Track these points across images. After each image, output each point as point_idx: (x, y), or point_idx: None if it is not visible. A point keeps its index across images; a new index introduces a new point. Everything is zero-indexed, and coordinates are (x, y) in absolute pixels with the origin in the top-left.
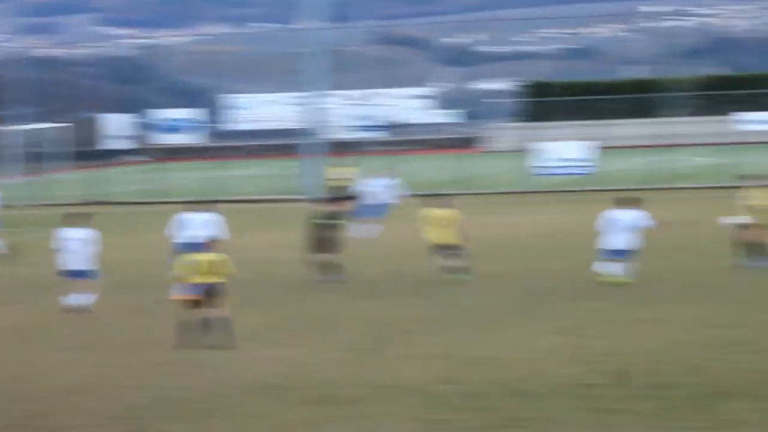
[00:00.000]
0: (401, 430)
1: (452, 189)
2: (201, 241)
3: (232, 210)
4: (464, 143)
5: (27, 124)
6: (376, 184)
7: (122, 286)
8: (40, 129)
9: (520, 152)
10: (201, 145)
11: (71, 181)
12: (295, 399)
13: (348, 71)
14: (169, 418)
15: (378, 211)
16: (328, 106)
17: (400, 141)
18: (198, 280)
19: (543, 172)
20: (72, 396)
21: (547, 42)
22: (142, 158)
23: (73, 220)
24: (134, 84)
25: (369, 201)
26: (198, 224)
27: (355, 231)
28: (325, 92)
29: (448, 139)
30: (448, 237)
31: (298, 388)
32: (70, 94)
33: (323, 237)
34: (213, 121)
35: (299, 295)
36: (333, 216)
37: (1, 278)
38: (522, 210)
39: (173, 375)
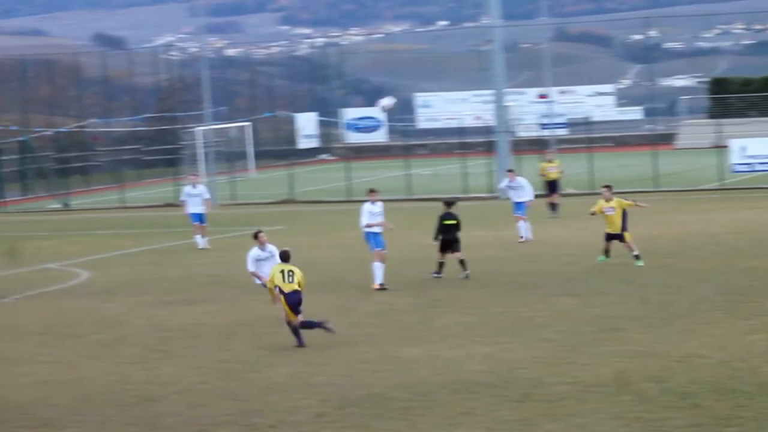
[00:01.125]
0: (610, 428)
1: (643, 187)
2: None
3: (423, 209)
4: (652, 140)
5: (213, 123)
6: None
7: (323, 285)
8: (226, 128)
9: (711, 149)
10: (386, 143)
11: (261, 180)
12: (502, 396)
13: (531, 68)
14: (380, 416)
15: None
16: (512, 103)
17: (585, 138)
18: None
19: (742, 169)
20: (281, 393)
21: (725, 38)
22: (329, 157)
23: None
24: (317, 83)
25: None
26: (375, 214)
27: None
28: (509, 89)
29: (635, 136)
30: (616, 226)
31: (504, 385)
32: (253, 94)
33: None
34: (397, 120)
35: (499, 293)
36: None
37: (204, 276)
38: (719, 207)
39: (380, 373)
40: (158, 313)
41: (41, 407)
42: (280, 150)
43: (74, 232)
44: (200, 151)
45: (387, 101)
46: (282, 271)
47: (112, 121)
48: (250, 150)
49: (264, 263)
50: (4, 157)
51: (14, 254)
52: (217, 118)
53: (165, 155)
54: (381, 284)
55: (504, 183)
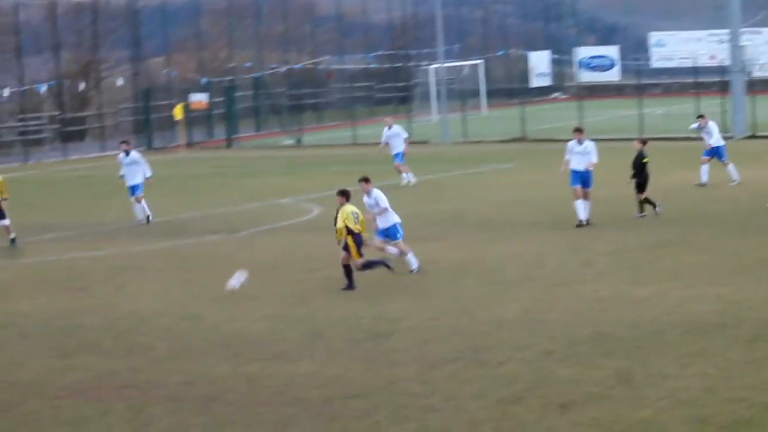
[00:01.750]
0: None
1: None
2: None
3: (654, 149)
4: None
5: (445, 61)
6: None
7: (554, 224)
8: (458, 66)
9: None
10: (619, 82)
11: (493, 119)
12: (733, 337)
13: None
14: (609, 354)
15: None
16: (747, 43)
17: None
18: None
19: None
20: (509, 330)
21: None
22: (561, 95)
23: None
24: (550, 21)
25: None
26: (578, 153)
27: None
28: (745, 29)
29: None
30: None
31: (735, 326)
32: (486, 32)
33: None
34: (630, 59)
35: (730, 234)
36: None
37: (438, 213)
38: None
39: (609, 311)
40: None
41: (273, 341)
42: (512, 88)
43: (306, 168)
44: (432, 89)
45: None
46: (352, 213)
47: (346, 58)
48: (483, 88)
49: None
50: (238, 93)
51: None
52: (450, 56)
53: (397, 93)
54: (581, 220)
55: (694, 126)
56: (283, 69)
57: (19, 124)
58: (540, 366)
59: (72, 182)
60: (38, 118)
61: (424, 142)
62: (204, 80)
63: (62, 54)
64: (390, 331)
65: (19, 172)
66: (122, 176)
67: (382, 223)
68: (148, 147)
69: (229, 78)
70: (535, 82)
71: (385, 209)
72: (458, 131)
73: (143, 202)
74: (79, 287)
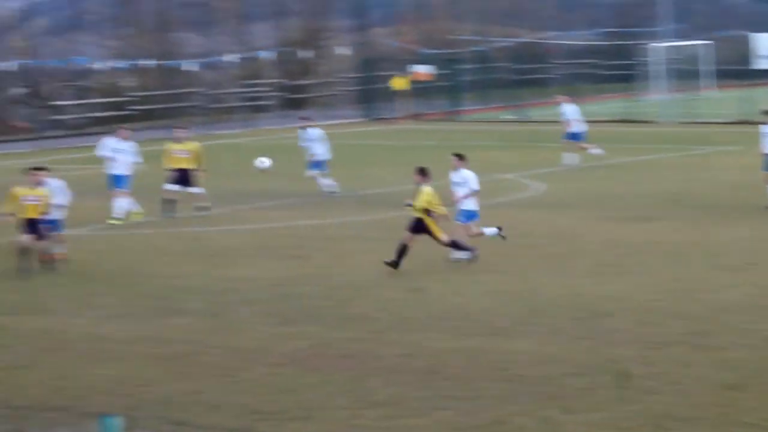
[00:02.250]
0: None
1: None
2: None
3: None
4: None
5: (670, 40)
6: None
7: None
8: (684, 46)
9: None
10: None
11: (718, 100)
12: None
13: None
14: None
15: None
16: None
17: None
18: None
19: None
20: (732, 315)
21: None
22: None
23: None
24: None
25: None
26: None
27: None
28: None
29: None
30: None
31: None
32: (712, 11)
33: None
34: None
35: None
36: None
37: (662, 194)
38: None
39: None
40: (612, 228)
41: (493, 316)
42: (737, 69)
43: (527, 144)
44: (656, 68)
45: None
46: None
47: (569, 34)
48: (708, 68)
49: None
50: (462, 66)
51: None
52: (675, 35)
53: (620, 70)
54: None
55: None
56: (507, 43)
57: (243, 90)
58: (764, 353)
59: (294, 150)
60: (261, 84)
61: (647, 122)
62: (426, 52)
63: (286, 21)
64: (611, 310)
65: (242, 138)
66: (305, 147)
67: (466, 205)
68: (369, 117)
69: (451, 50)
70: (759, 64)
71: (474, 191)
72: (682, 111)
73: (322, 179)
74: (300, 255)
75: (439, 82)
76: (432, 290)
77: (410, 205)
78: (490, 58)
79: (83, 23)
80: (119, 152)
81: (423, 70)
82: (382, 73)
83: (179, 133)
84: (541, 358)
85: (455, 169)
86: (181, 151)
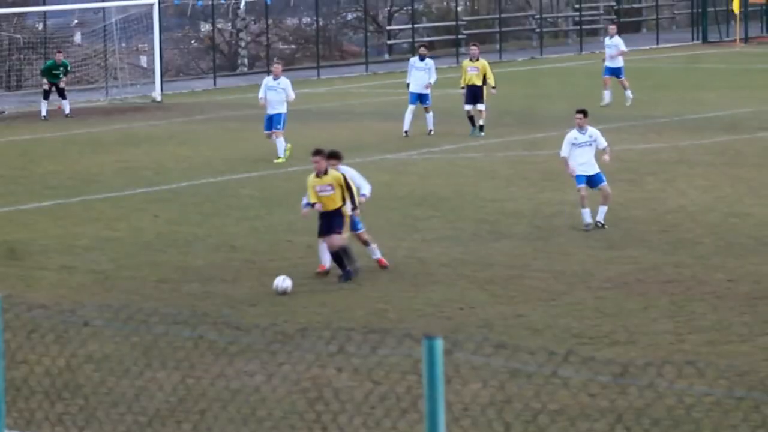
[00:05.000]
0: None
1: None
2: None
3: None
4: None
5: None
6: None
7: None
8: None
9: None
10: None
11: None
12: None
13: None
14: None
15: None
16: None
17: None
18: None
19: None
20: None
21: None
22: None
23: None
24: None
25: None
26: None
27: None
28: None
29: None
30: None
31: None
32: None
33: None
34: None
35: None
36: None
37: None
38: None
39: None
40: None
41: None
42: None
43: None
44: None
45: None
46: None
47: None
48: None
49: (580, 148)
50: None
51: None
52: None
53: None
54: None
55: None
56: None
57: (575, 14)
58: None
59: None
60: (593, 8)
61: None
62: None
63: None
64: None
65: (574, 61)
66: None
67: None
68: (703, 40)
69: None
70: None
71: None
72: None
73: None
74: (630, 179)
75: None
76: (757, 215)
77: None
78: None
79: None
80: (274, 91)
81: None
82: None
83: (473, 50)
84: None
85: (580, 127)
86: (473, 68)
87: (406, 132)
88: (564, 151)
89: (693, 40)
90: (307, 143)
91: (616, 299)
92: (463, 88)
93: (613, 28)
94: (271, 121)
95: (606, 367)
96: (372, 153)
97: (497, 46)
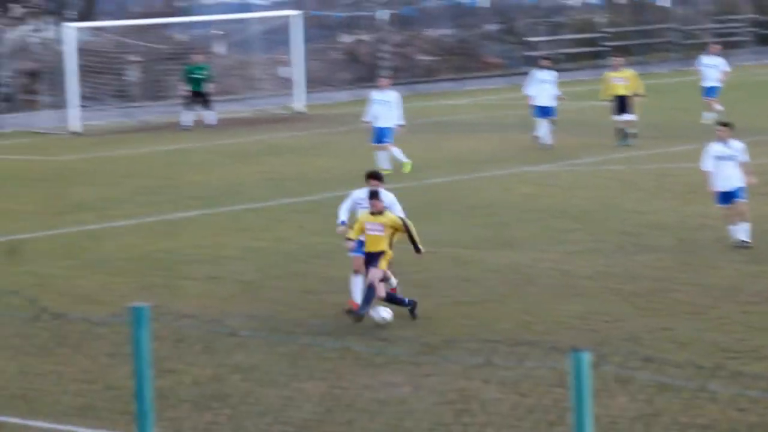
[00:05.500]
0: None
1: None
2: None
3: None
4: None
5: None
6: None
7: None
8: None
9: None
10: None
11: None
12: None
13: None
14: None
15: None
16: None
17: None
18: None
19: None
20: None
21: None
22: None
23: None
24: None
25: None
26: None
27: None
28: None
29: None
30: None
31: None
32: None
33: None
34: None
35: None
36: None
37: None
38: None
39: None
40: None
41: None
42: None
43: None
44: None
45: None
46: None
47: None
48: None
49: (722, 162)
50: None
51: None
52: None
53: None
54: None
55: None
56: None
57: (717, 25)
58: None
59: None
60: (735, 20)
61: None
62: None
63: None
64: None
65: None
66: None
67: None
68: None
69: None
70: None
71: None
72: None
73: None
74: None
75: None
76: None
77: None
78: None
79: None
80: (382, 104)
81: None
82: None
83: (617, 61)
84: None
85: (723, 140)
86: (618, 78)
87: (547, 144)
88: (706, 165)
89: None
90: (447, 155)
91: (764, 313)
92: (607, 100)
93: (716, 47)
94: (381, 134)
95: (755, 382)
96: (513, 165)
97: (638, 58)
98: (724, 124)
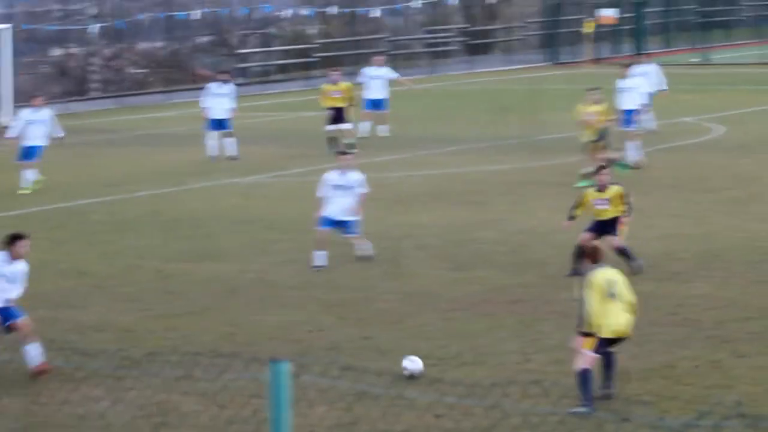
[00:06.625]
0: None
1: None
2: None
3: None
4: None
5: None
6: None
7: None
8: None
9: None
10: None
11: None
12: None
13: None
14: None
15: None
16: None
17: None
18: None
19: None
20: None
21: None
22: None
23: None
24: None
25: None
26: None
27: None
28: None
29: None
30: None
31: None
32: None
33: None
34: None
35: None
36: None
37: None
38: None
39: None
40: None
41: (668, 260)
42: None
43: (712, 87)
44: None
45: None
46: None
47: None
48: None
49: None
50: (647, 10)
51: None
52: None
53: None
54: None
55: None
56: None
57: (428, 36)
58: None
59: (475, 95)
60: (446, 30)
61: None
62: None
63: None
64: None
65: (425, 83)
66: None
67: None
68: (552, 62)
69: None
70: None
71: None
72: None
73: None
74: (477, 201)
75: (623, 25)
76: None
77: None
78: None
79: None
80: (33, 123)
81: (608, 14)
82: (568, 18)
83: (334, 76)
84: (714, 302)
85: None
86: (335, 91)
87: (213, 157)
88: (321, 192)
89: (542, 61)
90: (153, 168)
91: (464, 320)
92: (327, 109)
93: (379, 59)
94: (31, 153)
95: (452, 388)
96: (221, 176)
97: (351, 68)
98: (345, 153)
